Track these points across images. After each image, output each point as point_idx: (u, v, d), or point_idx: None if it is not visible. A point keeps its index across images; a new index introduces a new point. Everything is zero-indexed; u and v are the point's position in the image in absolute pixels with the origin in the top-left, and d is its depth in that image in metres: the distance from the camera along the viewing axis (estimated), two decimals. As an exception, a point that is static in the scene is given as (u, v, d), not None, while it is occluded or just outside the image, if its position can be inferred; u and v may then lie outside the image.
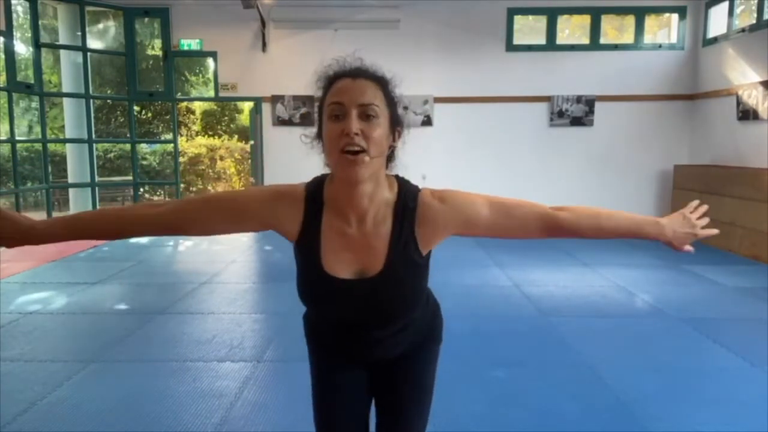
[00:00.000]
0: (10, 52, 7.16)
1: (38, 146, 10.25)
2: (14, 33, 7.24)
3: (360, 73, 1.17)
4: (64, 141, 9.18)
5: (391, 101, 1.18)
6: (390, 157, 1.22)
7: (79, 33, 8.08)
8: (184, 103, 16.09)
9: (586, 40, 8.36)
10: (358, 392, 1.40)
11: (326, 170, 1.25)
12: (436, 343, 1.43)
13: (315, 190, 1.21)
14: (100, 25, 12.47)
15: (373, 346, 1.32)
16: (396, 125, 1.19)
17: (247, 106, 12.71)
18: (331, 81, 1.19)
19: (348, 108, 1.11)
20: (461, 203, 1.20)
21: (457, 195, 1.21)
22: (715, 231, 1.30)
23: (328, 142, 1.14)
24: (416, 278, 1.24)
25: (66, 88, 8.46)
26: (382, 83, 1.18)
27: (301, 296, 1.27)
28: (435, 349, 1.43)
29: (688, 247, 1.31)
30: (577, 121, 8.33)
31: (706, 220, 1.32)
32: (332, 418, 1.42)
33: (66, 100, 8.62)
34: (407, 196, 1.20)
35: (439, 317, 1.45)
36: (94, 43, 11.35)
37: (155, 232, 1.25)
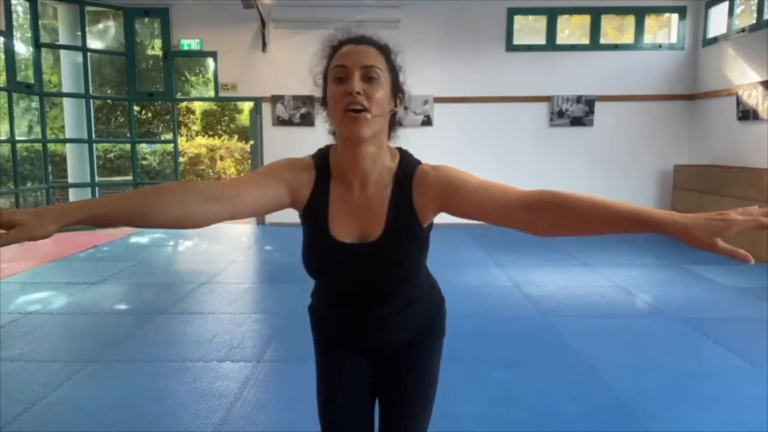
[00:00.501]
0: (10, 52, 7.16)
1: (38, 146, 10.24)
2: (14, 33, 7.25)
3: (363, 40, 1.21)
4: (64, 141, 9.18)
5: (393, 68, 1.23)
6: (392, 125, 1.27)
7: (79, 33, 8.08)
8: (184, 103, 16.09)
9: (586, 40, 8.37)
10: (363, 387, 1.41)
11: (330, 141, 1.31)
12: (440, 337, 1.44)
13: (322, 159, 1.26)
14: (100, 25, 12.47)
15: (377, 327, 1.33)
16: (398, 92, 1.24)
17: (247, 106, 12.71)
18: (335, 48, 1.22)
19: (351, 70, 1.15)
20: (453, 173, 1.23)
21: (450, 167, 1.26)
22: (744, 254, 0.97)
23: (332, 103, 1.18)
24: (414, 248, 1.26)
25: (66, 88, 8.46)
26: (385, 50, 1.22)
27: (307, 267, 1.28)
28: (438, 343, 1.44)
29: (723, 245, 0.98)
30: (577, 121, 8.33)
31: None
32: (337, 414, 1.43)
33: (66, 100, 8.62)
34: (408, 165, 1.24)
35: (443, 310, 1.47)
36: (94, 43, 11.35)
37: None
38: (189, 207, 1.05)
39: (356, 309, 1.32)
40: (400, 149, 1.29)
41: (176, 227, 1.07)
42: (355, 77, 1.14)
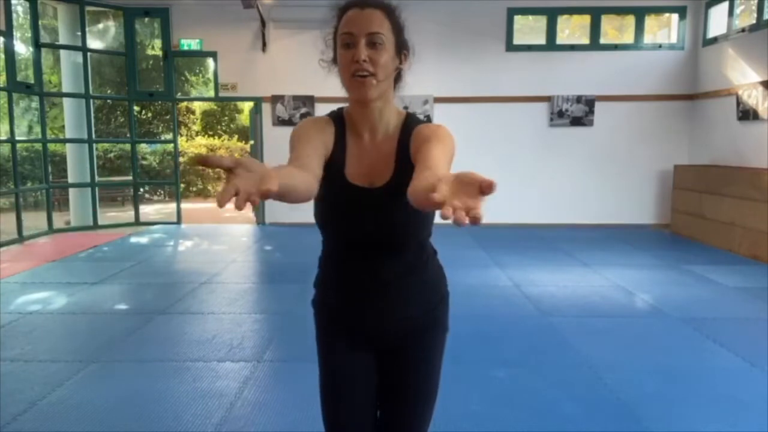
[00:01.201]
0: (10, 52, 7.16)
1: (38, 146, 10.24)
2: (14, 33, 7.25)
3: (368, 3, 1.25)
4: (64, 141, 9.18)
5: (397, 27, 1.29)
6: (397, 79, 1.36)
7: (79, 33, 8.08)
8: (184, 103, 16.09)
9: (586, 40, 8.37)
10: (367, 390, 1.40)
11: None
12: (443, 332, 1.45)
13: (337, 115, 1.36)
14: (100, 25, 12.48)
15: (381, 294, 1.34)
16: (402, 49, 1.33)
17: (247, 106, 12.71)
18: (343, 10, 1.27)
19: (357, 38, 1.22)
20: (439, 132, 1.27)
21: (445, 132, 1.29)
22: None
23: (341, 68, 1.27)
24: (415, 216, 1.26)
25: (66, 88, 8.46)
26: (389, 11, 1.27)
27: (322, 217, 1.33)
28: (442, 339, 1.44)
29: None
30: (577, 121, 8.33)
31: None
32: (342, 418, 1.40)
33: (66, 100, 8.61)
34: (412, 122, 1.33)
35: (447, 304, 1.48)
36: (94, 43, 11.35)
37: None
38: (310, 184, 1.15)
39: (363, 266, 1.33)
40: (408, 112, 1.37)
41: (301, 202, 1.13)
42: (361, 44, 1.22)
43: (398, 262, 1.33)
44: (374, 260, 1.32)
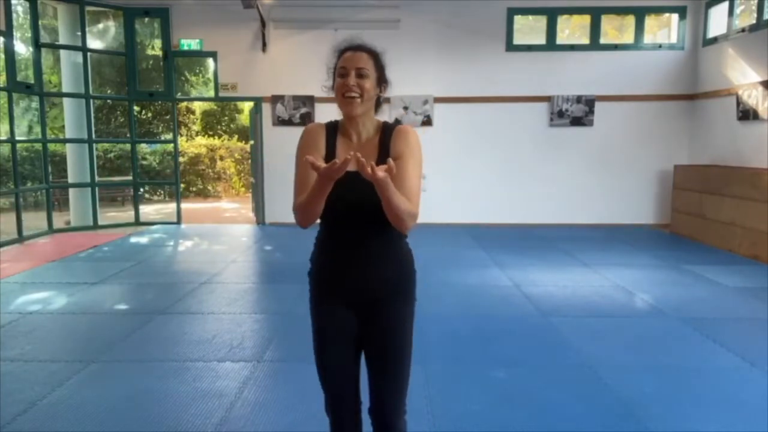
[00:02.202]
0: (10, 52, 7.16)
1: (38, 146, 10.25)
2: (14, 33, 7.25)
3: (359, 48, 1.72)
4: (64, 141, 9.18)
5: (379, 66, 1.74)
6: (378, 102, 1.78)
7: (79, 33, 8.08)
8: (184, 103, 16.09)
9: (586, 40, 8.37)
10: (348, 339, 1.75)
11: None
12: (411, 302, 1.81)
13: (333, 124, 1.78)
14: (100, 25, 12.48)
15: (364, 265, 1.70)
16: (382, 82, 1.75)
17: (247, 106, 12.70)
18: (341, 51, 1.72)
19: (349, 70, 1.66)
20: (412, 149, 1.69)
21: (415, 142, 1.71)
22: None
23: (336, 91, 1.69)
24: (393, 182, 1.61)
25: (66, 88, 8.46)
26: (373, 54, 1.74)
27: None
28: (411, 308, 1.81)
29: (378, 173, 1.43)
30: (577, 121, 8.33)
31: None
32: (328, 360, 1.78)
33: (66, 100, 8.61)
34: (389, 125, 1.75)
35: (415, 279, 1.85)
36: (94, 43, 11.35)
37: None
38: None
39: (348, 236, 1.70)
40: (382, 122, 1.78)
41: (316, 216, 1.63)
42: (351, 75, 1.66)
43: (374, 235, 1.69)
44: (356, 232, 1.68)
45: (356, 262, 1.70)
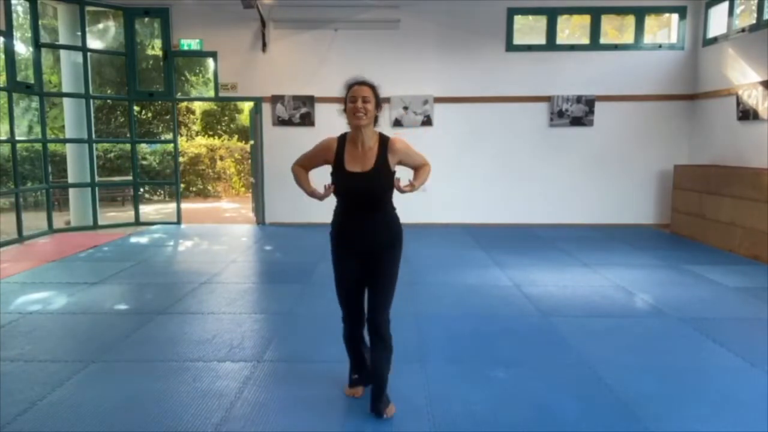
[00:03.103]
0: (10, 52, 7.16)
1: (38, 146, 10.25)
2: (14, 33, 7.25)
3: (363, 83, 2.57)
4: (64, 141, 9.18)
5: (376, 94, 2.57)
6: (376, 119, 2.60)
7: (79, 33, 8.08)
8: (184, 103, 16.09)
9: (586, 40, 8.36)
10: (356, 275, 2.66)
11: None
12: (399, 249, 2.68)
13: (342, 135, 2.63)
14: (100, 25, 12.47)
15: (368, 230, 2.60)
16: (379, 105, 2.59)
17: (247, 106, 12.70)
18: (350, 86, 2.56)
19: (357, 98, 2.50)
20: (407, 150, 2.64)
21: (406, 143, 2.64)
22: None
23: (348, 112, 2.54)
24: (386, 178, 2.58)
25: (66, 88, 8.45)
26: (373, 87, 2.57)
27: (335, 189, 2.60)
28: (398, 252, 2.68)
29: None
30: (577, 121, 8.33)
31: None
32: (344, 288, 2.70)
33: (66, 100, 8.61)
34: (384, 138, 2.62)
35: (402, 236, 2.69)
36: (94, 43, 11.35)
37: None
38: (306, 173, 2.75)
39: (356, 216, 2.61)
40: (380, 133, 2.63)
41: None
42: (359, 101, 2.50)
43: (372, 212, 2.62)
44: (361, 210, 2.61)
45: (361, 230, 2.61)
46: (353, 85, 2.54)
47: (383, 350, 2.62)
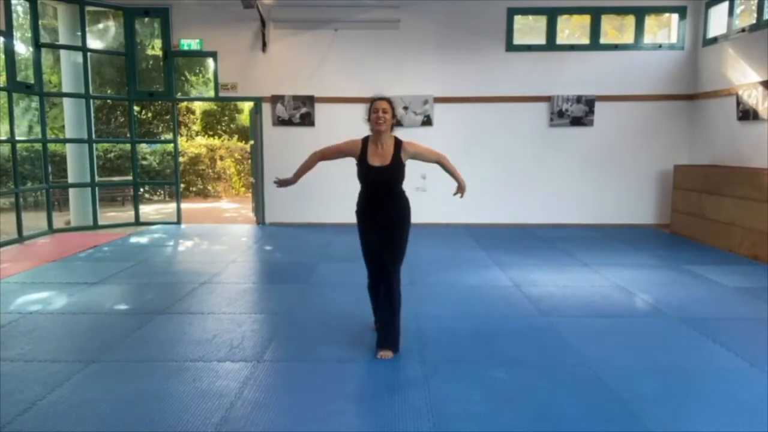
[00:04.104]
0: (10, 52, 7.16)
1: (38, 146, 10.25)
2: (14, 33, 7.25)
3: (383, 99, 3.28)
4: (64, 141, 9.18)
5: (392, 107, 3.29)
6: (392, 126, 3.31)
7: (79, 33, 8.08)
8: (184, 103, 16.09)
9: (586, 40, 8.36)
10: (376, 246, 3.38)
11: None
12: (408, 225, 3.42)
13: (365, 138, 3.34)
14: (100, 25, 12.47)
15: (384, 209, 3.34)
16: (394, 116, 3.31)
17: (247, 106, 12.70)
18: (373, 101, 3.27)
19: (378, 110, 3.23)
20: (417, 148, 3.37)
21: (415, 144, 3.38)
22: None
23: (371, 121, 3.26)
24: (400, 171, 3.32)
25: (66, 88, 8.45)
26: (390, 101, 3.29)
27: (359, 179, 3.36)
28: (407, 227, 3.41)
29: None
30: (577, 121, 8.33)
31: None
32: (368, 256, 3.47)
33: (66, 100, 8.61)
34: (398, 141, 3.33)
35: (410, 213, 3.44)
36: (94, 43, 11.35)
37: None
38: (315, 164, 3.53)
39: (376, 199, 3.36)
40: (395, 137, 3.36)
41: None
42: (380, 112, 3.22)
43: (387, 197, 3.36)
44: (379, 195, 3.36)
45: (379, 209, 3.36)
46: (375, 101, 3.28)
47: (387, 295, 3.35)
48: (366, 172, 3.29)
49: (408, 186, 3.44)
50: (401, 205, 3.38)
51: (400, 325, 3.40)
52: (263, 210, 8.61)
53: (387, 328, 3.33)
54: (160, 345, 3.56)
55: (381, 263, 3.36)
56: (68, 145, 8.69)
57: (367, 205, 3.37)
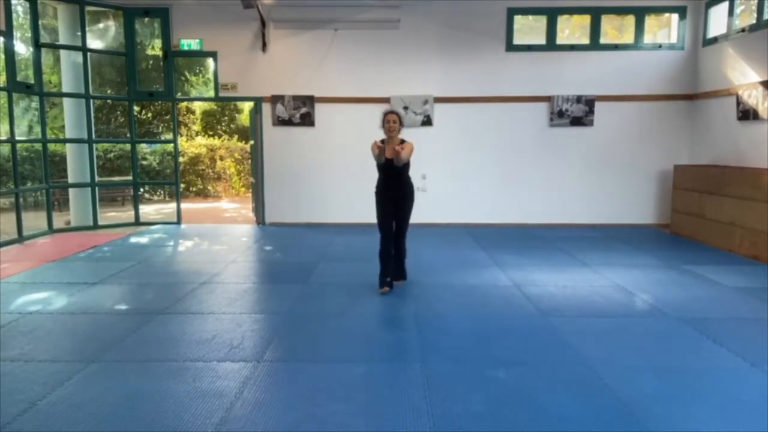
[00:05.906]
0: (10, 52, 7.16)
1: (38, 146, 10.25)
2: (14, 33, 7.25)
3: (392, 112, 4.76)
4: (64, 141, 9.17)
5: (400, 118, 4.77)
6: (399, 131, 4.75)
7: (79, 33, 8.08)
8: (184, 103, 16.09)
9: (586, 40, 8.36)
10: (392, 211, 4.76)
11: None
12: (412, 198, 4.81)
13: (383, 140, 4.68)
14: (100, 25, 12.46)
15: (396, 187, 4.73)
16: (401, 124, 4.78)
17: (247, 106, 12.70)
18: (385, 114, 4.73)
19: (390, 121, 4.68)
20: (408, 147, 4.63)
21: (410, 144, 4.65)
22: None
23: (385, 128, 4.69)
24: (406, 163, 4.69)
25: (66, 88, 8.45)
26: (399, 114, 4.78)
27: (378, 168, 4.76)
28: (412, 198, 4.81)
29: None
30: (577, 121, 8.33)
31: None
32: (383, 221, 4.76)
33: (66, 100, 8.61)
34: (403, 142, 4.68)
35: (413, 189, 4.84)
36: (94, 43, 11.35)
37: None
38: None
39: (390, 178, 4.74)
40: (402, 138, 4.75)
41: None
42: (390, 122, 4.67)
43: (398, 177, 4.74)
44: (393, 178, 4.74)
45: (392, 188, 4.71)
46: (387, 113, 4.68)
47: (400, 247, 4.88)
48: (383, 163, 4.65)
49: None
50: (407, 185, 4.76)
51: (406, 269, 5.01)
52: (263, 210, 8.61)
53: (399, 269, 4.94)
54: (159, 345, 3.56)
55: (394, 226, 4.76)
56: (68, 145, 8.69)
57: (384, 185, 4.73)
